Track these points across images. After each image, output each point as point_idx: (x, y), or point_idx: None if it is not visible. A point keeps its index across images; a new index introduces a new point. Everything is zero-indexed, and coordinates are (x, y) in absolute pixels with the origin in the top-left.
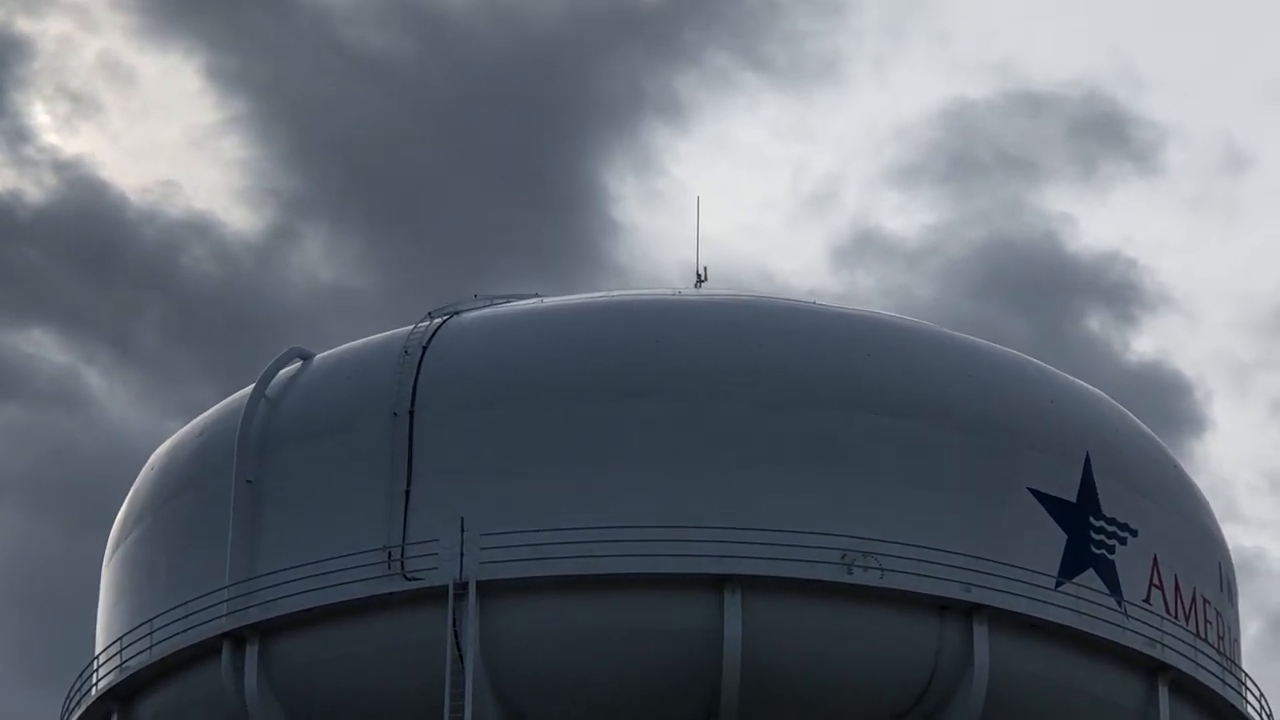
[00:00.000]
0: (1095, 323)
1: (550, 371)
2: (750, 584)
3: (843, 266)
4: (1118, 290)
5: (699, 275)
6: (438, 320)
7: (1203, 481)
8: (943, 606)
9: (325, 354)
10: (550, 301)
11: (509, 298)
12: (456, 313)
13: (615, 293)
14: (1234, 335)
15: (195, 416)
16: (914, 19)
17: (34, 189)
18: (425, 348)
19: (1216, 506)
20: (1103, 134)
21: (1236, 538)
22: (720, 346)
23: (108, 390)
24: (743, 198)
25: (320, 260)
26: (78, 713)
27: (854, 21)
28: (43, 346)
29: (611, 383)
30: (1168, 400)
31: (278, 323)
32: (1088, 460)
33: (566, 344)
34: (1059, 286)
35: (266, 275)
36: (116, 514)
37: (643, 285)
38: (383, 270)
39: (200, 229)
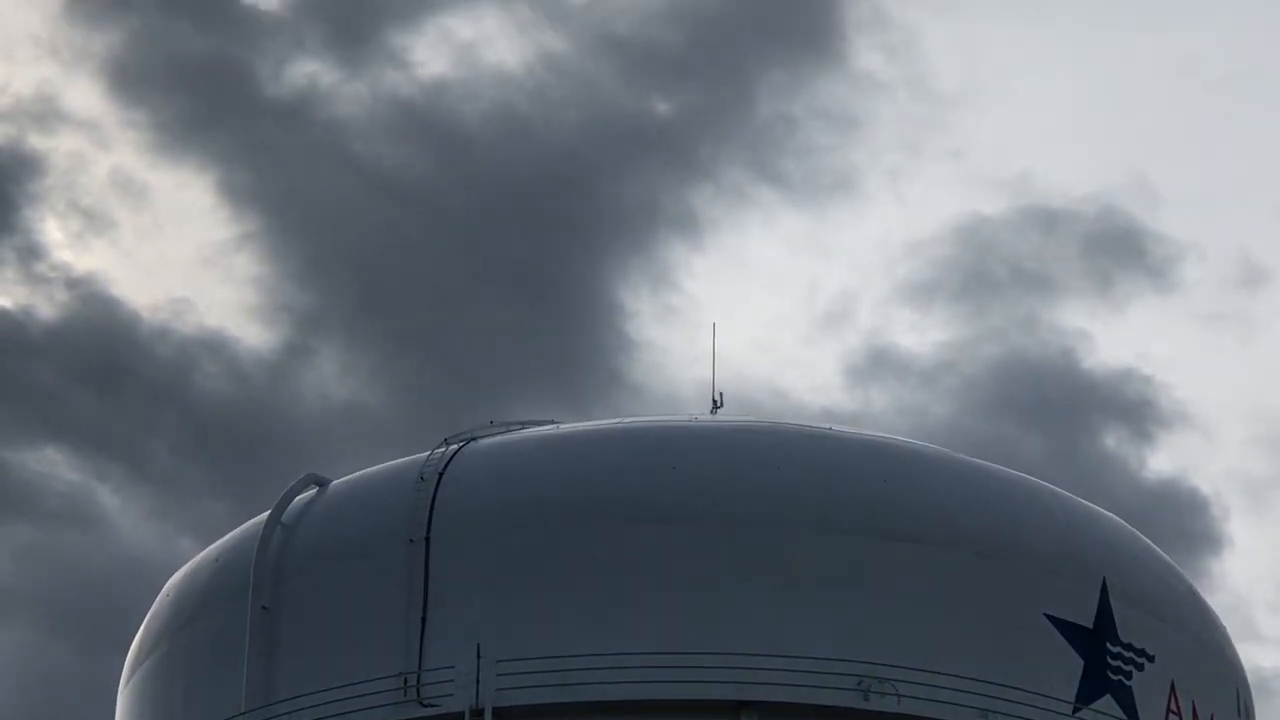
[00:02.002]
0: (1111, 440)
1: (566, 498)
2: (767, 710)
3: (857, 384)
4: (1134, 407)
5: (715, 401)
6: (453, 447)
7: (1220, 600)
8: None
9: (341, 480)
10: (566, 428)
11: (524, 424)
12: (473, 439)
13: (631, 419)
14: (1250, 452)
15: (208, 534)
16: (929, 134)
17: (46, 306)
18: (441, 474)
19: (1234, 625)
20: (1118, 250)
21: (1254, 656)
22: (736, 473)
23: (120, 508)
24: (757, 314)
25: (334, 378)
26: None
27: (869, 137)
28: (55, 465)
29: (627, 509)
30: (1184, 518)
31: (291, 441)
32: (1104, 586)
33: (582, 471)
34: (1075, 404)
35: (280, 392)
36: (129, 634)
37: (658, 403)
38: (397, 387)
39: (213, 346)
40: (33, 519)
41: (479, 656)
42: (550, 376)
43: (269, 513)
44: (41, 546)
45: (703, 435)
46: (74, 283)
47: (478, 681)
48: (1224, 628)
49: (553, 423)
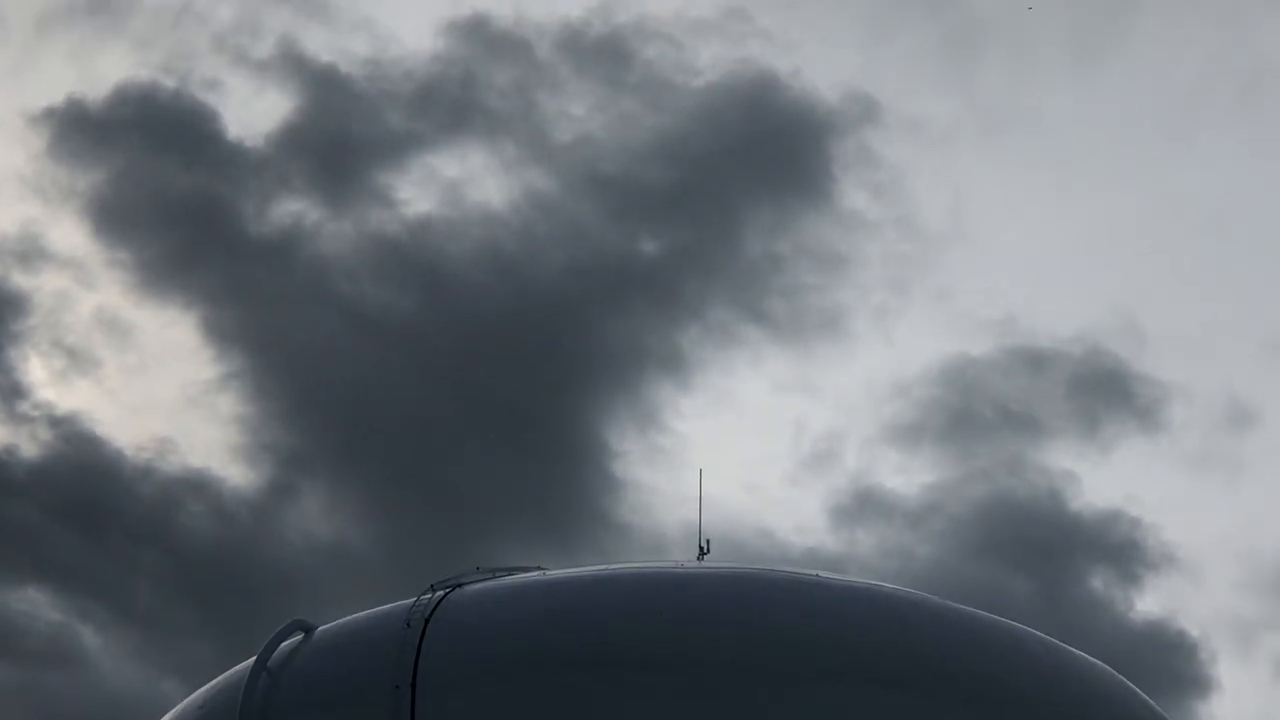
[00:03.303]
0: (1099, 582)
1: (554, 645)
2: None
3: (843, 525)
4: (1121, 549)
5: (701, 548)
6: (440, 593)
7: None
8: None
9: (327, 626)
10: (553, 574)
11: (511, 570)
12: (459, 585)
13: (618, 565)
14: (1239, 595)
15: (193, 676)
16: (916, 274)
17: (29, 445)
18: (428, 620)
19: None
20: (1105, 391)
21: None
22: (723, 620)
23: (103, 649)
24: (744, 454)
25: (319, 517)
26: None
27: (856, 275)
28: (37, 604)
29: (616, 656)
30: (1172, 661)
31: (276, 581)
32: None
33: (570, 618)
34: (1062, 545)
35: (264, 532)
36: None
37: (645, 545)
38: (382, 527)
39: (197, 485)
40: (14, 659)
41: None
42: (537, 517)
43: (254, 659)
44: (22, 687)
45: (690, 582)
46: (57, 421)
47: None
48: None
49: (539, 568)
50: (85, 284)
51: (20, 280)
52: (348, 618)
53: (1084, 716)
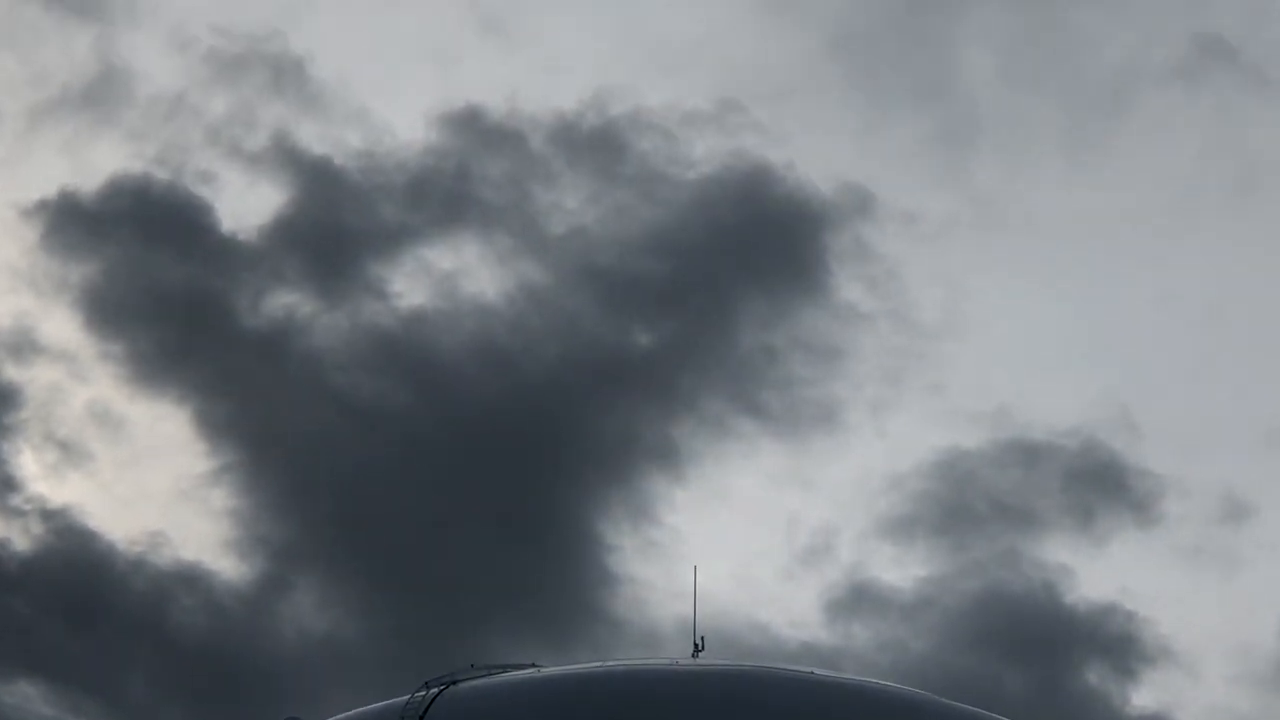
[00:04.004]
0: (1094, 676)
1: None
2: None
3: (837, 619)
4: (1116, 643)
5: (696, 645)
6: (434, 690)
7: None
8: None
9: None
10: (547, 671)
11: (505, 667)
12: (453, 682)
13: (613, 662)
14: (1234, 689)
15: None
16: (911, 366)
17: (21, 538)
18: (422, 717)
19: None
20: (1100, 484)
21: None
22: (718, 718)
23: None
24: (738, 548)
25: (312, 611)
26: None
27: (851, 368)
28: (30, 699)
29: None
30: None
31: (269, 676)
32: None
33: (564, 716)
34: (1057, 639)
35: (257, 626)
36: None
37: (640, 639)
38: (376, 621)
39: (190, 579)
40: None
41: None
42: (531, 611)
43: None
44: None
45: (685, 680)
46: (50, 515)
47: None
48: None
49: (533, 665)
50: (78, 377)
51: (13, 373)
52: (342, 715)
53: None
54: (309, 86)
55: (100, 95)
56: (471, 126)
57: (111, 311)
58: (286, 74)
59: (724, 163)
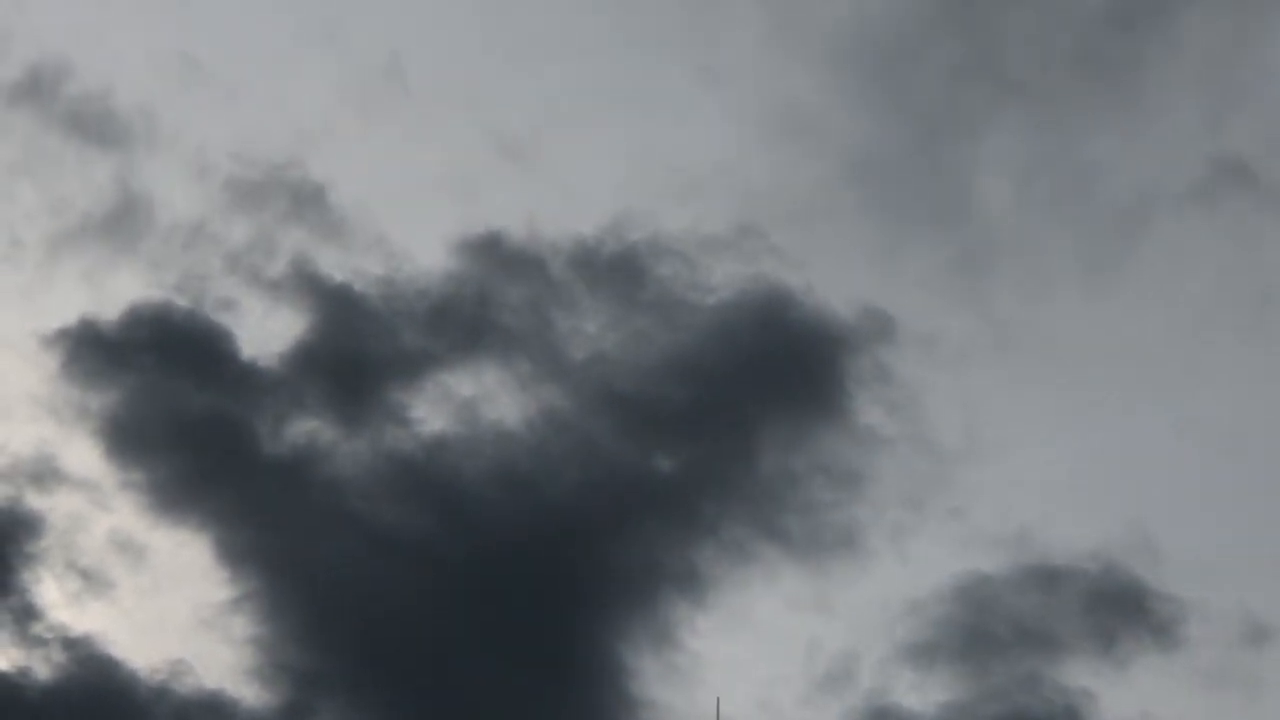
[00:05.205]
0: None
1: None
2: None
3: None
4: None
5: None
6: None
7: None
8: None
9: None
10: None
11: None
12: None
13: None
14: None
15: None
16: (931, 491)
17: (43, 667)
18: None
19: None
20: (1121, 608)
21: None
22: None
23: None
24: (759, 674)
25: None
26: None
27: (872, 493)
28: None
29: None
30: None
31: None
32: None
33: None
34: None
35: None
36: None
37: None
38: None
39: (212, 708)
40: None
41: None
42: None
43: None
44: None
45: None
46: (71, 643)
47: None
48: None
49: None
50: (99, 505)
51: (34, 501)
52: None
53: None
54: (329, 214)
55: (120, 223)
56: (491, 253)
57: (132, 439)
58: (306, 201)
59: (743, 287)
